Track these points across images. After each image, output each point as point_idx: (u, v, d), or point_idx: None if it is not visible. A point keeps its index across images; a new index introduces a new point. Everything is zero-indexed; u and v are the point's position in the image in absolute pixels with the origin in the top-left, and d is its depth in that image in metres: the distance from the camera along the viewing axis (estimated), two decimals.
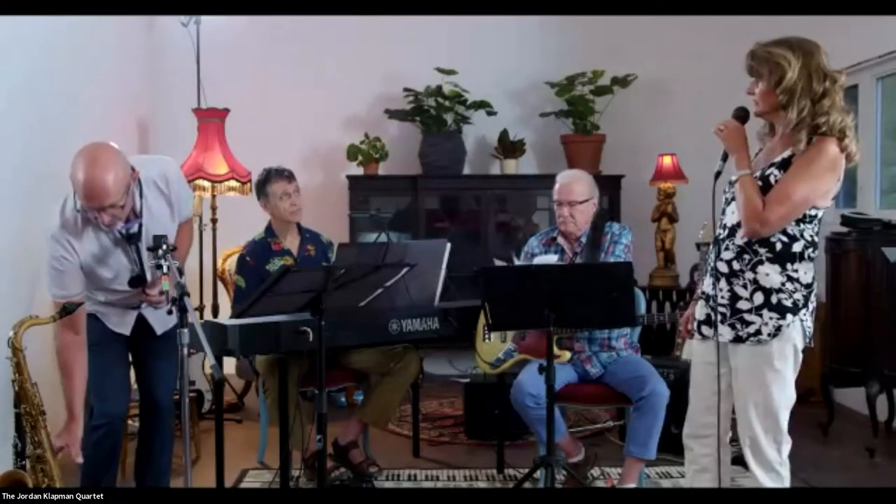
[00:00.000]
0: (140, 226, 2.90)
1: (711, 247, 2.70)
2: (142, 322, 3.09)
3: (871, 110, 5.03)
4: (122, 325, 3.08)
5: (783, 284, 2.54)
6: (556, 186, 3.65)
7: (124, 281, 2.95)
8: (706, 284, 2.70)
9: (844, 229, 4.46)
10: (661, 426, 3.37)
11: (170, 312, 2.67)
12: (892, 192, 5.07)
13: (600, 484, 3.75)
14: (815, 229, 2.59)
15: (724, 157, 2.65)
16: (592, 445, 4.10)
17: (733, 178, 2.61)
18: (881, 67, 4.91)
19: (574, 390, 3.55)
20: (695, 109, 5.78)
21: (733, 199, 2.63)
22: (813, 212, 2.55)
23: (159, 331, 3.11)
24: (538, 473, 3.48)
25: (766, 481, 2.57)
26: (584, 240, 3.63)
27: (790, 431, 2.61)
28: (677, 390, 3.42)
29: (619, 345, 3.61)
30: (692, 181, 5.61)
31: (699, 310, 2.74)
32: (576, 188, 3.60)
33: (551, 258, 3.63)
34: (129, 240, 2.89)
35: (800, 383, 2.63)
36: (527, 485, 3.48)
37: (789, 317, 2.54)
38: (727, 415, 2.74)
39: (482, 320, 3.72)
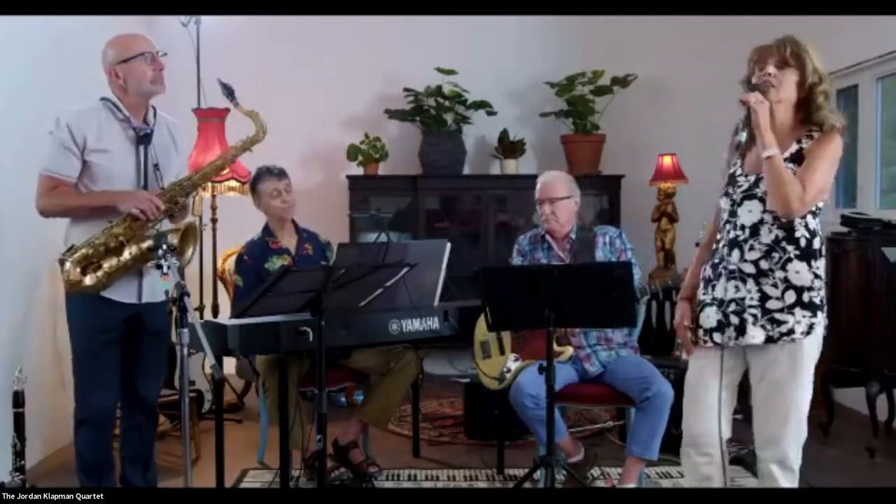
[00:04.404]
0: (152, 132, 3.04)
1: (724, 248, 2.60)
2: (136, 318, 3.06)
3: (871, 110, 5.03)
4: (127, 292, 3.02)
5: (812, 282, 2.53)
6: (538, 187, 3.76)
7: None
8: (718, 289, 2.58)
9: (844, 229, 4.46)
10: (664, 427, 3.37)
11: (168, 301, 2.66)
12: (892, 192, 5.06)
13: (600, 484, 3.75)
14: (819, 225, 2.59)
15: (746, 125, 2.53)
16: (592, 445, 4.10)
17: (765, 155, 2.43)
18: (881, 67, 4.91)
19: (574, 390, 3.55)
20: (695, 109, 5.80)
21: (744, 198, 2.55)
22: (821, 204, 2.55)
23: (146, 298, 3.06)
24: (538, 473, 3.48)
25: (782, 479, 2.53)
26: (573, 236, 3.70)
27: None
28: (678, 391, 3.41)
29: (618, 339, 3.63)
30: (692, 181, 5.61)
31: (711, 317, 2.60)
32: (556, 185, 3.72)
33: None
34: (140, 141, 3.03)
35: None
36: (527, 485, 3.48)
37: (819, 314, 2.54)
38: (727, 420, 2.69)
39: (477, 338, 3.75)
